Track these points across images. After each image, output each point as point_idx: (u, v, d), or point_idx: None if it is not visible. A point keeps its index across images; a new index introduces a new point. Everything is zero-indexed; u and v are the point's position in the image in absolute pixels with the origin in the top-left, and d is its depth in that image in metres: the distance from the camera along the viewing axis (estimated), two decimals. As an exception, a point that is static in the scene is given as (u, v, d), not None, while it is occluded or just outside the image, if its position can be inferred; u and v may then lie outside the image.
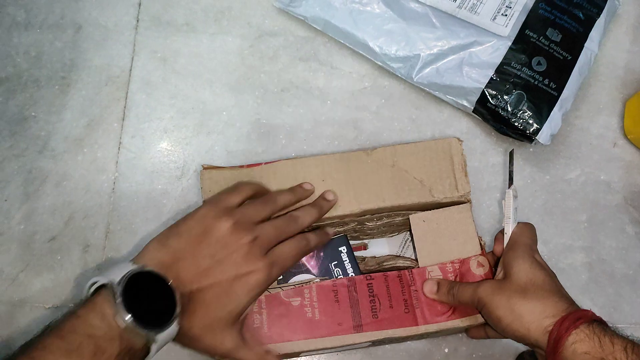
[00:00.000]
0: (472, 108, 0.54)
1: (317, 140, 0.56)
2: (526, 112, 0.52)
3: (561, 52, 0.53)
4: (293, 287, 0.45)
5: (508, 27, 0.53)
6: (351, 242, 0.49)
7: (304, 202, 0.47)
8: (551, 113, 0.52)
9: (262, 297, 0.45)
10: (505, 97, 0.52)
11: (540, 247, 0.45)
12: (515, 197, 0.46)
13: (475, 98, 0.53)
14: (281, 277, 0.47)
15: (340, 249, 0.48)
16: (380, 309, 0.44)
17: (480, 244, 0.47)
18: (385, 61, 0.55)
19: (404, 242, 0.51)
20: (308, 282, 0.45)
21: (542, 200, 0.55)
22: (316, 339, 0.43)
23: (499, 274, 0.43)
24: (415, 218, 0.47)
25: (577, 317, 0.36)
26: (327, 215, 0.47)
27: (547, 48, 0.53)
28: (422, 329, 0.44)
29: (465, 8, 0.54)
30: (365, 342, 0.44)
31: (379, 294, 0.45)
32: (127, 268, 0.34)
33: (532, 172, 0.56)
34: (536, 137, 0.52)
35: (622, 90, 0.58)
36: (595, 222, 0.55)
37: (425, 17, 0.54)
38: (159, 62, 0.58)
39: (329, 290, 0.45)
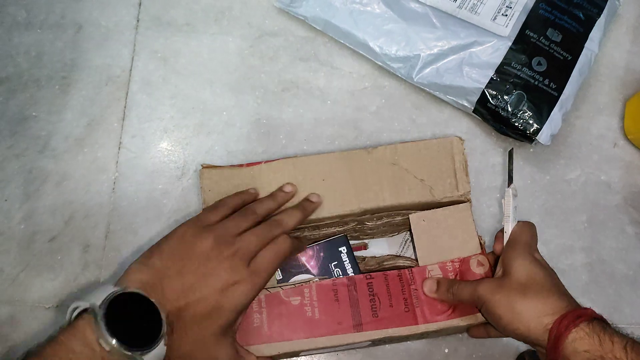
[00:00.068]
0: (473, 108, 0.54)
1: (317, 141, 0.56)
2: (526, 112, 0.52)
3: (561, 52, 0.53)
4: (293, 286, 0.45)
5: (508, 27, 0.53)
6: (351, 242, 0.49)
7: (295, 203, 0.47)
8: (551, 113, 0.52)
9: (262, 296, 0.44)
10: (505, 97, 0.52)
11: (540, 247, 0.45)
12: (515, 196, 0.46)
13: (475, 98, 0.53)
14: (281, 277, 0.47)
15: (340, 249, 0.48)
16: (380, 308, 0.44)
17: (480, 243, 0.47)
18: (385, 61, 0.55)
19: (404, 242, 0.51)
20: (308, 281, 0.45)
21: (542, 201, 0.55)
22: (316, 338, 0.43)
23: (498, 272, 0.43)
24: (415, 217, 0.47)
25: (577, 315, 0.36)
26: (327, 215, 0.47)
27: (548, 48, 0.53)
28: (422, 328, 0.44)
29: (466, 8, 0.54)
30: (365, 341, 0.44)
31: (379, 293, 0.45)
32: (109, 290, 0.34)
33: (532, 172, 0.56)
34: (536, 138, 0.52)
35: (623, 90, 0.58)
36: (596, 222, 0.55)
37: (425, 17, 0.54)
38: (159, 62, 0.58)
39: (328, 289, 0.45)
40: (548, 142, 0.52)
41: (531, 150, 0.56)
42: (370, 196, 0.47)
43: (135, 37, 0.59)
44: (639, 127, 0.55)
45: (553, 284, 0.39)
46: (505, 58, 0.53)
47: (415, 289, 0.45)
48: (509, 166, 0.47)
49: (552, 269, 0.42)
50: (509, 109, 0.52)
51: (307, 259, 0.47)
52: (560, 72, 0.53)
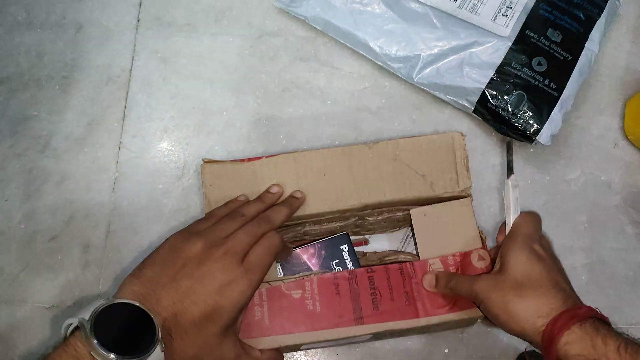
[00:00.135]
0: (473, 108, 0.54)
1: (317, 141, 0.56)
2: (526, 112, 0.52)
3: (561, 52, 0.53)
4: (294, 279, 0.45)
5: (508, 28, 0.53)
6: (352, 237, 0.49)
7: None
8: (551, 113, 0.52)
9: (263, 289, 0.45)
10: (505, 97, 0.52)
11: (540, 247, 0.45)
12: (515, 186, 0.45)
13: (475, 98, 0.53)
14: (282, 275, 0.47)
15: (341, 247, 0.48)
16: (381, 301, 0.44)
17: (481, 237, 0.47)
18: (385, 61, 0.55)
19: (405, 238, 0.52)
20: (309, 274, 0.45)
21: (542, 201, 0.55)
22: (317, 331, 0.43)
23: (497, 265, 0.42)
24: (416, 212, 0.48)
25: (569, 316, 0.35)
26: (328, 210, 0.47)
27: (548, 48, 0.53)
28: (423, 321, 0.44)
29: (466, 8, 0.54)
30: (366, 334, 0.44)
31: (380, 287, 0.45)
32: (98, 304, 0.34)
33: (532, 172, 0.56)
34: (536, 138, 0.52)
35: (623, 90, 0.58)
36: (596, 222, 0.55)
37: (425, 18, 0.54)
38: (159, 62, 0.59)
39: (329, 282, 0.45)
40: (548, 142, 0.52)
41: (531, 150, 0.56)
42: (371, 191, 0.47)
43: (136, 37, 0.59)
44: (639, 127, 0.55)
45: (550, 279, 0.39)
46: (505, 58, 0.53)
47: (417, 283, 0.45)
48: (507, 157, 0.47)
49: (553, 259, 0.41)
50: (509, 109, 0.52)
51: (309, 257, 0.47)
52: (561, 72, 0.53)
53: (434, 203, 0.48)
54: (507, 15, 0.54)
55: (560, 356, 0.35)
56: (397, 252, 0.50)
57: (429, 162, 0.48)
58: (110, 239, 0.53)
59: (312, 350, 0.51)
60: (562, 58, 0.53)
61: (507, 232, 0.44)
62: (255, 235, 0.41)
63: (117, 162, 0.55)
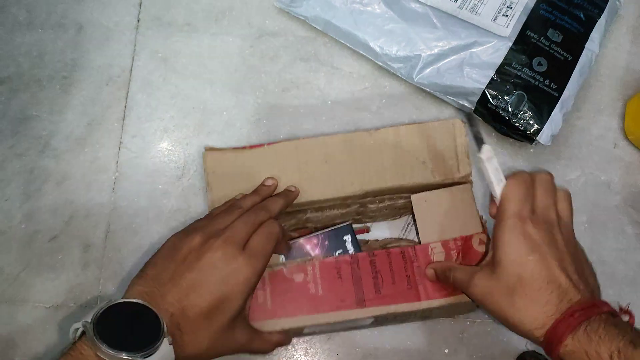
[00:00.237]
0: (473, 108, 0.54)
1: (317, 141, 0.56)
2: (527, 112, 0.52)
3: (562, 52, 0.53)
4: (296, 264, 0.45)
5: (509, 28, 0.53)
6: (354, 225, 0.50)
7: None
8: (552, 114, 0.52)
9: (266, 274, 0.45)
10: (505, 97, 0.52)
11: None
12: (490, 157, 0.41)
13: (475, 98, 0.53)
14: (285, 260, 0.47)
15: (345, 237, 0.48)
16: (382, 285, 0.44)
17: (482, 222, 0.47)
18: (385, 61, 0.55)
19: (406, 226, 0.52)
20: (311, 259, 0.45)
21: (543, 201, 0.55)
22: (319, 314, 0.43)
23: (489, 253, 0.40)
24: (416, 198, 0.48)
25: (563, 327, 0.34)
26: (329, 197, 0.47)
27: (548, 48, 0.53)
28: (424, 304, 0.44)
29: (466, 8, 0.54)
30: (368, 317, 0.44)
31: (382, 270, 0.45)
32: (101, 305, 0.34)
33: (532, 172, 0.56)
34: (537, 138, 0.52)
35: (623, 90, 0.58)
36: (596, 223, 0.55)
37: (425, 18, 0.54)
38: (159, 62, 0.59)
39: (331, 267, 0.45)
40: (548, 142, 0.52)
41: (531, 150, 0.56)
42: (372, 178, 0.47)
43: (136, 37, 0.59)
44: (639, 127, 0.55)
45: (542, 277, 0.36)
46: (505, 58, 0.53)
47: (418, 267, 0.45)
48: (472, 130, 0.42)
49: (549, 238, 0.37)
50: (510, 110, 0.52)
51: (312, 247, 0.48)
52: (561, 72, 0.53)
53: (434, 189, 0.48)
54: (507, 16, 0.54)
55: None
56: (399, 239, 0.51)
57: (430, 149, 0.48)
58: (110, 239, 0.53)
59: (312, 350, 0.51)
60: (562, 58, 0.53)
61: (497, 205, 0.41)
62: (253, 224, 0.41)
63: (117, 162, 0.56)
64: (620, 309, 0.37)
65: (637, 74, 0.59)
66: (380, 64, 0.57)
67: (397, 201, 0.49)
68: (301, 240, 0.48)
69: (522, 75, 0.52)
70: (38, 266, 0.52)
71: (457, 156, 0.48)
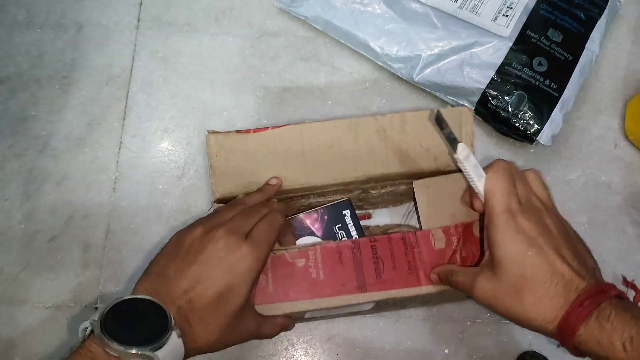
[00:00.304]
0: (473, 109, 0.54)
1: (317, 141, 0.56)
2: (527, 112, 0.52)
3: (562, 52, 0.53)
4: (298, 249, 0.45)
5: (509, 28, 0.53)
6: (356, 211, 0.50)
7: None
8: (552, 114, 0.52)
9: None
10: (506, 97, 0.52)
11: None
12: (467, 155, 0.40)
13: (476, 99, 0.53)
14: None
15: (344, 212, 0.48)
16: (383, 270, 0.44)
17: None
18: (386, 61, 0.55)
19: (408, 213, 0.52)
20: (313, 244, 0.46)
21: (543, 201, 0.55)
22: (320, 299, 0.43)
23: (486, 254, 0.40)
24: (418, 184, 0.48)
25: (574, 318, 0.34)
26: (332, 182, 0.47)
27: (548, 48, 0.53)
28: (424, 289, 0.44)
29: (466, 8, 0.54)
30: (369, 302, 0.44)
31: (383, 256, 0.45)
32: (108, 302, 0.35)
33: (532, 172, 0.56)
34: (537, 138, 0.52)
35: (623, 91, 0.58)
36: (596, 223, 0.55)
37: (426, 18, 0.54)
38: (159, 61, 0.58)
39: (333, 251, 0.45)
40: (549, 142, 0.52)
41: (532, 150, 0.56)
42: (376, 164, 0.47)
43: (136, 36, 0.59)
44: (639, 127, 0.55)
45: (544, 271, 0.36)
46: (506, 58, 0.53)
47: (419, 252, 0.45)
48: (443, 130, 0.41)
49: (541, 227, 0.37)
50: (510, 110, 0.52)
51: (312, 221, 0.48)
52: (561, 72, 0.53)
53: (437, 176, 0.48)
54: (507, 16, 0.54)
55: (579, 351, 0.35)
56: (400, 225, 0.51)
57: (434, 136, 0.48)
58: (110, 239, 0.53)
59: (312, 350, 0.51)
60: (562, 58, 0.53)
61: (482, 201, 0.40)
62: (255, 218, 0.41)
63: (117, 162, 0.55)
64: (625, 281, 0.37)
65: (638, 74, 0.59)
66: (380, 64, 0.56)
67: (398, 187, 0.49)
68: (301, 215, 0.48)
69: (522, 76, 0.52)
70: (38, 266, 0.52)
71: None
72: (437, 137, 0.48)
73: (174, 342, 0.34)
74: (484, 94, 0.53)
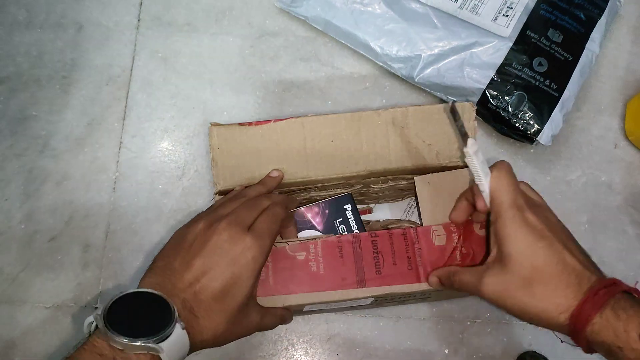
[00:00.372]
0: (473, 109, 0.54)
1: (317, 141, 0.56)
2: (527, 112, 0.52)
3: (562, 52, 0.53)
4: (299, 242, 0.45)
5: (509, 28, 0.53)
6: (356, 206, 0.50)
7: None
8: (552, 114, 0.52)
9: None
10: (506, 97, 0.52)
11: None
12: (476, 151, 0.40)
13: (476, 99, 0.53)
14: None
15: (345, 206, 0.48)
16: (383, 265, 0.44)
17: None
18: (386, 61, 0.55)
19: (409, 208, 0.52)
20: (314, 238, 0.46)
21: (543, 201, 0.55)
22: (320, 292, 0.43)
23: (493, 251, 0.40)
24: (420, 180, 0.48)
25: (589, 307, 0.34)
26: (333, 176, 0.47)
27: (548, 49, 0.53)
28: (424, 286, 0.44)
29: (467, 9, 0.54)
30: (368, 297, 0.44)
31: (383, 251, 0.45)
32: (111, 296, 0.35)
33: (532, 173, 0.56)
34: (537, 138, 0.52)
35: (623, 91, 0.58)
36: (596, 223, 0.55)
37: (426, 18, 0.54)
38: (160, 61, 0.58)
39: (333, 246, 0.45)
40: (549, 142, 0.52)
41: (532, 151, 0.56)
42: (377, 158, 0.47)
43: (136, 37, 0.59)
44: (639, 127, 0.55)
45: (556, 263, 0.36)
46: (506, 58, 0.53)
47: (419, 248, 0.45)
48: (456, 123, 0.42)
49: (548, 222, 0.38)
50: (510, 110, 0.52)
51: (313, 215, 0.48)
52: (561, 72, 0.53)
53: (438, 172, 0.48)
54: (507, 16, 0.54)
55: (590, 342, 0.34)
56: (401, 220, 0.51)
57: (437, 132, 0.48)
58: (110, 239, 0.53)
59: (312, 350, 0.51)
60: (562, 58, 0.53)
61: (485, 199, 0.40)
62: (256, 210, 0.41)
63: (117, 162, 0.55)
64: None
65: (638, 74, 0.59)
66: (380, 64, 0.56)
67: (400, 182, 0.49)
68: (302, 209, 0.49)
69: (522, 76, 0.52)
70: (38, 266, 0.52)
71: None
72: (439, 132, 0.48)
73: (178, 333, 0.34)
74: (484, 94, 0.53)
